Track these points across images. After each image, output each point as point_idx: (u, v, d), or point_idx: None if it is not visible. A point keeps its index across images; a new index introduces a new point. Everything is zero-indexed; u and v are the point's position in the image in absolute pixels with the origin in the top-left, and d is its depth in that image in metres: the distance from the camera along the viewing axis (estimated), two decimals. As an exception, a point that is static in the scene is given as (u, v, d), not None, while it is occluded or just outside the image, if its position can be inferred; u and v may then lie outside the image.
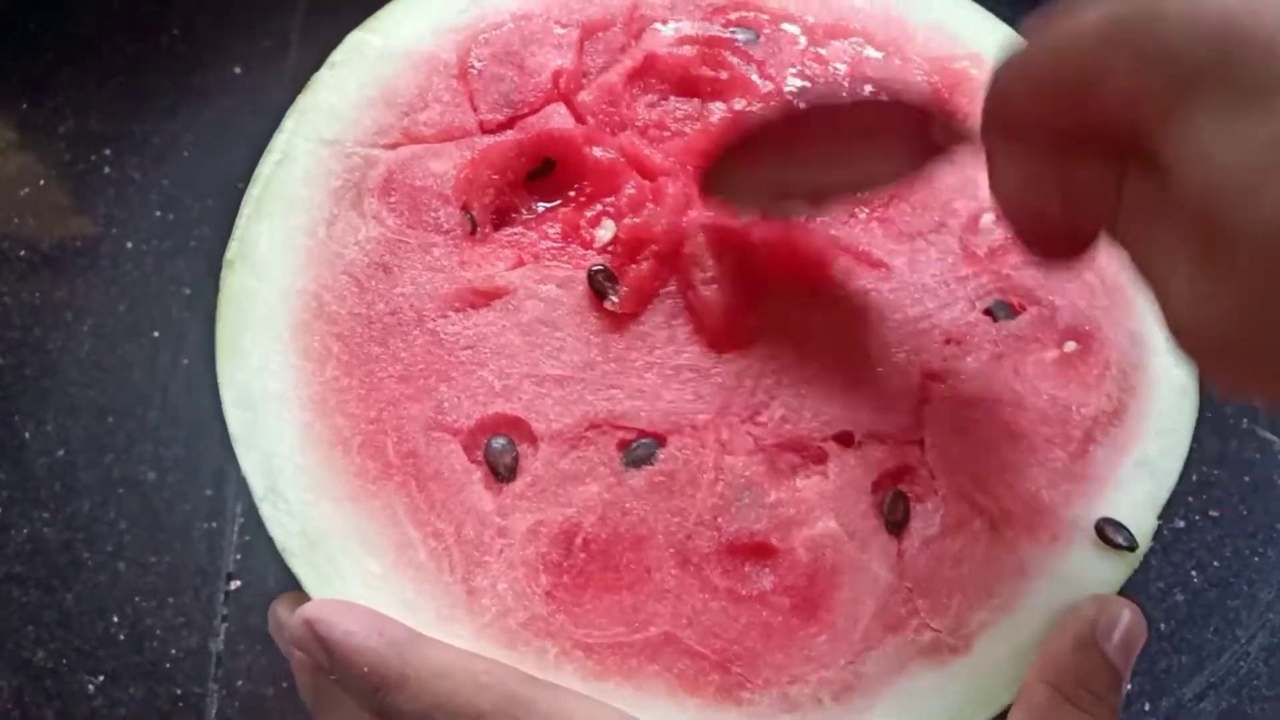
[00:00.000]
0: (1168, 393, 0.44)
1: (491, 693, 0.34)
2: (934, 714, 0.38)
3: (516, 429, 0.40)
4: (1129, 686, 0.53)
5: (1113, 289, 0.45)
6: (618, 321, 0.41)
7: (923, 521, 0.40)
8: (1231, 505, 0.56)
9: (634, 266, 0.42)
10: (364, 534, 0.38)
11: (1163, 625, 0.54)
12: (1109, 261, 0.45)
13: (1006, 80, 0.32)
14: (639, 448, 0.40)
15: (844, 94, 0.41)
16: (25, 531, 0.54)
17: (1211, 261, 0.26)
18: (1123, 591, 0.53)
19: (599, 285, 0.41)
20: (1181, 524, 0.56)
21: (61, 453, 0.55)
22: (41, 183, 0.60)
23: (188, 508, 0.55)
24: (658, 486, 0.39)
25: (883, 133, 0.37)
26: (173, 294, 0.57)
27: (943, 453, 0.41)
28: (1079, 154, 0.31)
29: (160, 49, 0.63)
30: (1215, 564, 0.55)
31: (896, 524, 0.40)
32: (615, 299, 0.41)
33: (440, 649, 0.35)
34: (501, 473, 0.39)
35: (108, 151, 0.61)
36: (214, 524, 0.54)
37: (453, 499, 0.38)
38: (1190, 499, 0.56)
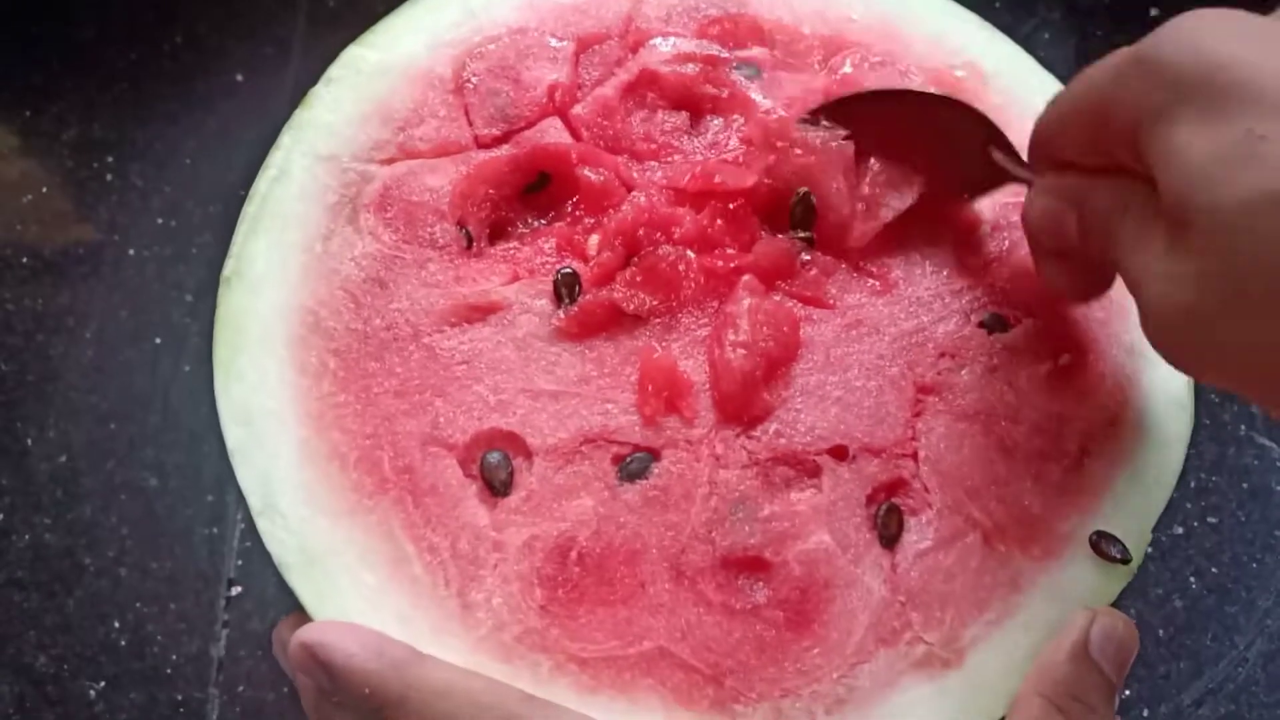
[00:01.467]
0: (1163, 405, 0.44)
1: (491, 713, 0.34)
2: (926, 727, 0.38)
3: (512, 444, 0.40)
4: (1127, 692, 0.53)
5: (1107, 302, 0.45)
6: (611, 335, 0.42)
7: (916, 535, 0.40)
8: (1230, 512, 0.56)
9: (596, 291, 0.42)
10: (360, 549, 0.38)
11: (1161, 631, 0.54)
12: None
13: (1047, 114, 0.39)
14: (633, 462, 0.40)
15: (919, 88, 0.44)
16: (27, 537, 0.54)
17: (1180, 244, 0.31)
18: (1121, 595, 0.53)
19: (559, 290, 0.42)
20: (1180, 530, 0.56)
21: (63, 458, 0.55)
22: (44, 189, 0.60)
23: (189, 513, 0.55)
24: (652, 500, 0.40)
25: (953, 137, 0.43)
26: (174, 300, 0.58)
27: (936, 466, 0.41)
28: (1096, 181, 0.37)
29: (162, 56, 0.63)
30: (1214, 570, 0.55)
31: (890, 537, 0.40)
32: (562, 314, 0.41)
33: (440, 668, 0.35)
34: (497, 487, 0.39)
35: (110, 158, 0.61)
36: (215, 530, 0.55)
37: (448, 513, 0.39)
38: (1189, 505, 0.56)
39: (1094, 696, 0.37)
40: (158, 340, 0.57)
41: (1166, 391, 0.44)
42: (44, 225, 0.59)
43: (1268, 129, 0.29)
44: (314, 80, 0.45)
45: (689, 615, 0.38)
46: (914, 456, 0.42)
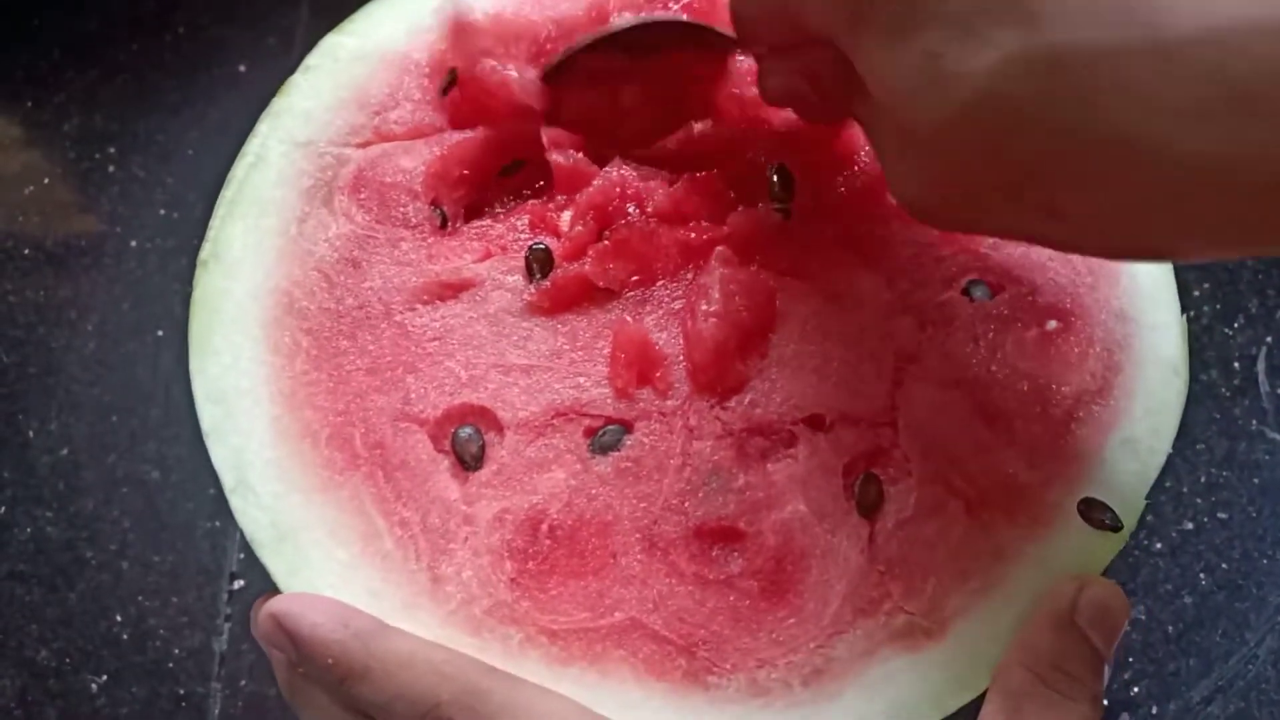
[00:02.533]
0: (1155, 370, 0.43)
1: (451, 683, 0.34)
2: (907, 699, 0.37)
3: (483, 418, 0.40)
4: (1135, 690, 0.51)
5: (1096, 267, 0.44)
6: (584, 310, 0.42)
7: (896, 504, 0.40)
8: (1240, 507, 0.55)
9: (568, 265, 0.41)
10: (332, 524, 0.38)
11: (1170, 628, 0.53)
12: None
13: (736, 10, 0.39)
14: (606, 434, 0.40)
15: (638, 20, 0.44)
16: (28, 530, 0.55)
17: (904, 146, 0.34)
18: (1132, 591, 0.52)
19: (530, 266, 0.42)
20: (1190, 526, 0.55)
21: (65, 451, 0.56)
22: (46, 181, 0.61)
23: (191, 506, 0.55)
24: (624, 472, 0.39)
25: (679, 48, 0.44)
26: (176, 292, 0.58)
27: (917, 435, 0.40)
28: (811, 52, 0.37)
29: (165, 47, 0.63)
30: (1224, 566, 0.54)
31: (869, 507, 0.39)
32: (533, 289, 0.41)
33: (404, 639, 0.35)
34: (468, 462, 0.39)
35: (112, 150, 0.61)
36: (217, 523, 0.55)
37: (419, 488, 0.39)
38: (1199, 501, 0.55)
39: (1079, 667, 0.36)
40: (160, 333, 0.58)
41: (1159, 357, 0.43)
42: (45, 217, 0.60)
43: (944, 46, 0.30)
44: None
45: (661, 586, 0.38)
46: (894, 425, 0.41)
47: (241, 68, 0.62)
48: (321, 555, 0.38)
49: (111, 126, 0.61)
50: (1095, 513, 0.40)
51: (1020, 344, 0.42)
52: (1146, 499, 0.41)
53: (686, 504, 0.39)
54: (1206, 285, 0.59)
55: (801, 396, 0.41)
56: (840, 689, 0.37)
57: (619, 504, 0.39)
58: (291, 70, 0.43)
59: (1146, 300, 0.44)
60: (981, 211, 0.33)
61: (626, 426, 0.40)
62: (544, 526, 0.38)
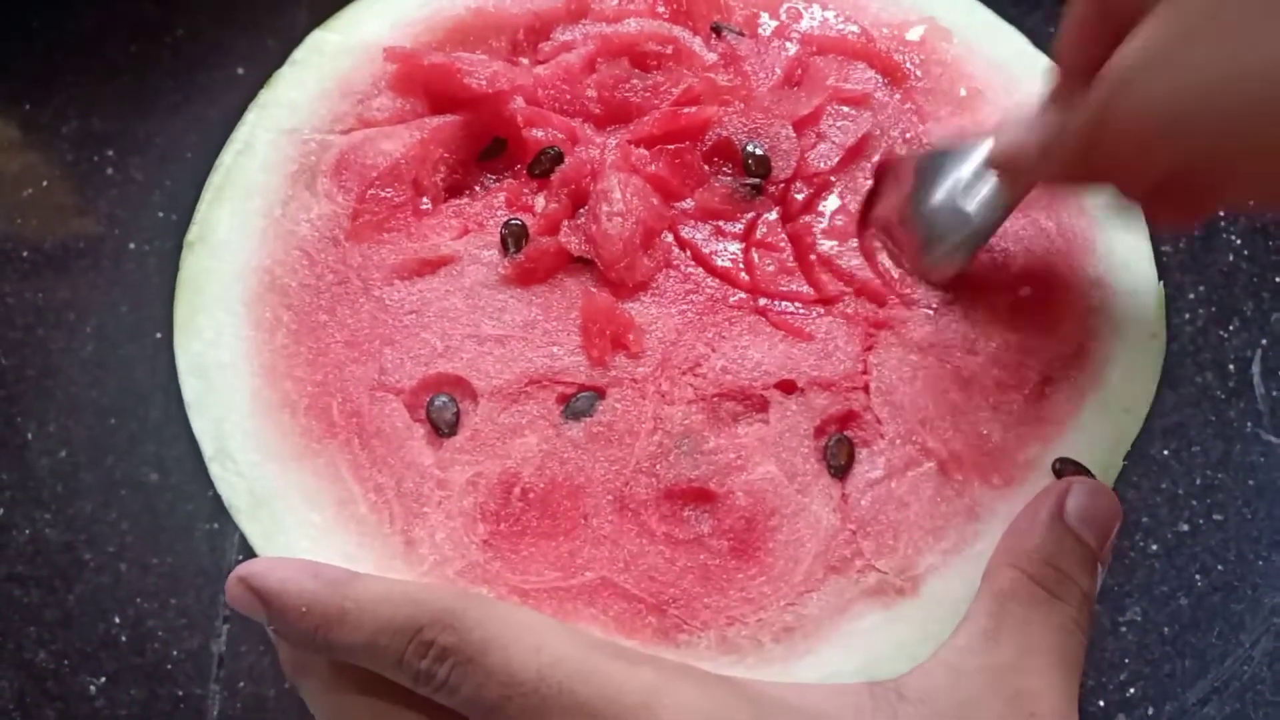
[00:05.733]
0: (1133, 335, 0.43)
1: (429, 607, 0.34)
2: (880, 655, 0.37)
3: (458, 387, 0.41)
4: (1131, 690, 0.51)
5: (1070, 234, 0.44)
6: (558, 282, 0.42)
7: (868, 465, 0.40)
8: (1236, 509, 0.55)
9: (543, 240, 0.42)
10: (308, 490, 0.39)
11: (1166, 629, 0.53)
12: (1065, 207, 0.45)
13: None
14: (579, 400, 0.40)
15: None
16: (27, 532, 0.55)
17: None
18: (1127, 593, 0.51)
19: (505, 240, 0.42)
20: (1185, 527, 0.54)
21: (64, 453, 0.56)
22: (44, 183, 0.61)
23: (190, 508, 0.55)
24: (596, 437, 0.40)
25: None
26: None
27: (888, 397, 0.41)
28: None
29: (163, 49, 0.64)
30: (1219, 568, 0.54)
31: (840, 468, 0.40)
32: (508, 262, 0.42)
33: (375, 581, 0.35)
34: (442, 429, 0.40)
35: (111, 152, 0.61)
36: (216, 525, 0.55)
37: (394, 455, 0.39)
38: (1194, 503, 0.55)
39: (1071, 563, 0.35)
40: (158, 335, 0.58)
41: (1136, 322, 0.43)
42: (44, 219, 0.60)
43: None
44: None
45: (632, 546, 0.38)
46: (865, 390, 0.41)
47: (240, 70, 0.63)
48: (297, 521, 0.38)
49: (110, 128, 0.62)
50: (1070, 471, 0.39)
51: (992, 309, 0.42)
52: (1125, 460, 0.41)
53: (658, 466, 0.39)
54: (1201, 288, 0.59)
55: (773, 362, 0.41)
56: (812, 646, 0.37)
57: (591, 467, 0.39)
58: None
59: (1122, 267, 0.44)
60: None
61: (599, 393, 0.40)
62: (516, 489, 0.39)
